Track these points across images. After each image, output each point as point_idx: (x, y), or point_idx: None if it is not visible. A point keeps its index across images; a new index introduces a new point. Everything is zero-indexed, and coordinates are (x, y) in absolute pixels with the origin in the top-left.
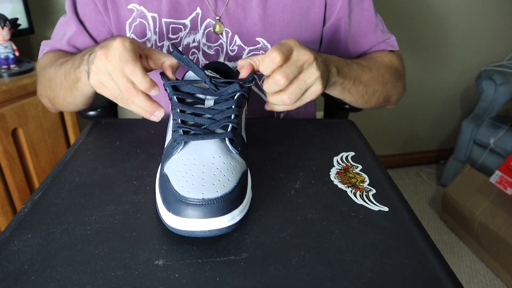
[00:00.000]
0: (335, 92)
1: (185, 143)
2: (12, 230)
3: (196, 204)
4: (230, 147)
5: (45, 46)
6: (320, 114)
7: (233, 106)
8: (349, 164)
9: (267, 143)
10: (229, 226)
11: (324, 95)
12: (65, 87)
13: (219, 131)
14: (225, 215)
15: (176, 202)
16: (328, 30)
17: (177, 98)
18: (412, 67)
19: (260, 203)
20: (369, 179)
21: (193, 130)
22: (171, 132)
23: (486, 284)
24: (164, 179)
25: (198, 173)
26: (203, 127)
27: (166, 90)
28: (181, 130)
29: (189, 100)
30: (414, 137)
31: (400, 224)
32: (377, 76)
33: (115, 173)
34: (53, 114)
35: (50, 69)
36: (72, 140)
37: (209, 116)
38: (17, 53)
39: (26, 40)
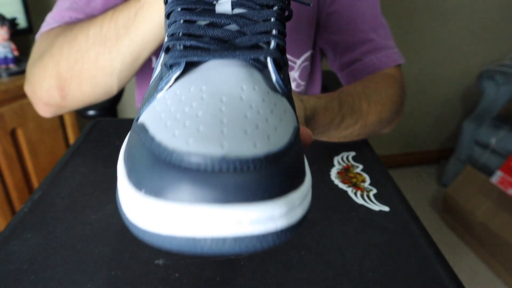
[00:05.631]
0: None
1: (188, 66)
2: (12, 230)
3: (206, 169)
4: (275, 77)
5: (51, 20)
6: None
7: (272, 19)
8: (349, 163)
9: None
10: (280, 233)
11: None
12: (102, 39)
13: None
14: (276, 198)
15: (157, 166)
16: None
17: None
18: (413, 67)
19: None
20: (370, 179)
21: (206, 44)
22: (161, 60)
23: (487, 284)
24: (137, 132)
25: (212, 111)
26: (224, 42)
27: (166, 2)
28: (181, 44)
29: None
30: (415, 137)
31: (401, 224)
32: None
33: (115, 172)
34: None
35: (71, 30)
36: (71, 140)
37: (235, 28)
38: (16, 53)
39: (25, 40)
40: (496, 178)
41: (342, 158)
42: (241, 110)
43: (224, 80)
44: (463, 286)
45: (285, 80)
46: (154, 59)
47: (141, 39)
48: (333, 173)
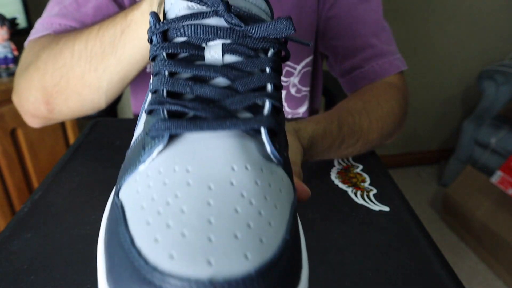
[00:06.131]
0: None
1: (171, 138)
2: (12, 230)
3: None
4: (269, 148)
5: (40, 27)
6: None
7: (267, 69)
8: (349, 164)
9: None
10: None
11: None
12: (88, 55)
13: (245, 115)
14: None
15: (136, 282)
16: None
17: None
18: (413, 66)
19: None
20: (370, 179)
21: (191, 110)
22: (143, 120)
23: (487, 284)
24: (116, 217)
25: (198, 207)
26: (212, 104)
27: (150, 41)
28: (165, 110)
29: (182, 55)
30: (415, 137)
31: (401, 224)
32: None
33: (115, 173)
34: None
35: (57, 43)
36: (71, 140)
37: (224, 82)
38: (16, 53)
39: (25, 40)
40: (496, 178)
41: (342, 158)
42: (231, 203)
43: (212, 158)
44: (463, 286)
45: (282, 147)
46: (148, 64)
47: (128, 58)
48: (333, 173)
